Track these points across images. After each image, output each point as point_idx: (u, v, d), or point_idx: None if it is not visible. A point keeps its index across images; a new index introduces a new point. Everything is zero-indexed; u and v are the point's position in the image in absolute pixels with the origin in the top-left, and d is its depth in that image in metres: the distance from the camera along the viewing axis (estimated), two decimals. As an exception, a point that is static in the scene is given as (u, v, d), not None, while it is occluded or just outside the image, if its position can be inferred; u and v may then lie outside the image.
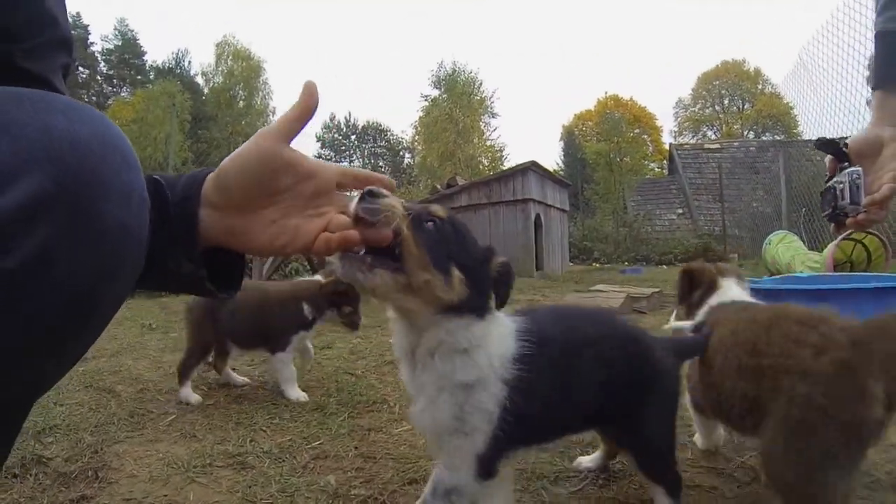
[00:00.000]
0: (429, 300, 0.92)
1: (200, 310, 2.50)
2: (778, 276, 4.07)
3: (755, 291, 2.30)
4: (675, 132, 40.46)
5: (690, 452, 1.69)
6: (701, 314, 1.57)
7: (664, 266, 14.57)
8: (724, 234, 17.56)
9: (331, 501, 1.47)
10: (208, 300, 2.43)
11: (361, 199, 0.79)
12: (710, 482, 1.50)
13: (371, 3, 72.27)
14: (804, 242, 5.91)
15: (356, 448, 1.84)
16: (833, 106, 8.05)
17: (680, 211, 22.91)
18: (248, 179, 0.75)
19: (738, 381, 1.23)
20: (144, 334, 4.33)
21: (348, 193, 0.83)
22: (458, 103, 28.35)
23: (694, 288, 1.69)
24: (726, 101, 40.59)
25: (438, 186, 15.13)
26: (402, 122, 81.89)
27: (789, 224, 9.77)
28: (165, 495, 1.53)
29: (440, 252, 0.90)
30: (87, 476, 1.68)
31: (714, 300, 1.59)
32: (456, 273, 0.92)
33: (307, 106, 0.76)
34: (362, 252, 0.85)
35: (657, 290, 5.90)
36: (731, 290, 1.61)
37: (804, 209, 9.33)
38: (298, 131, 0.77)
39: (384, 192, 0.82)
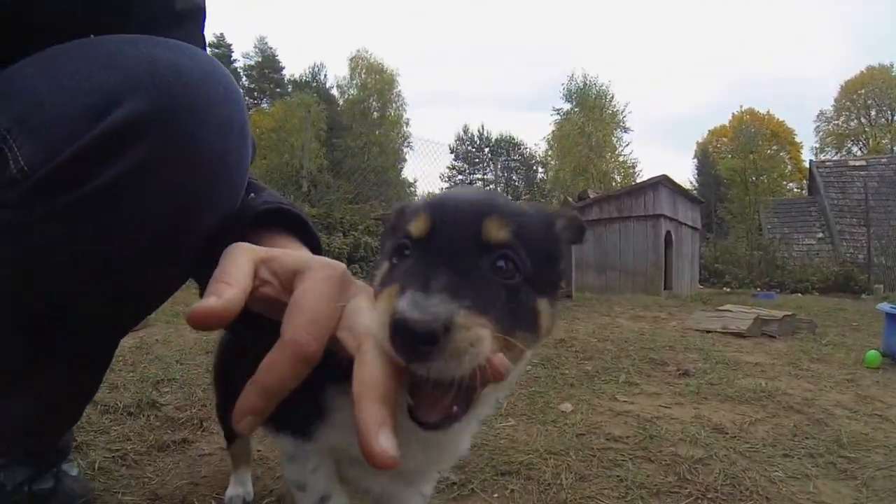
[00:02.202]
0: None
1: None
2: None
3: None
4: (815, 148, 39.17)
5: None
6: None
7: (800, 294, 14.93)
8: (868, 262, 17.79)
9: None
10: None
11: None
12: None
13: (502, 15, 75.89)
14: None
15: None
16: None
17: (820, 235, 22.42)
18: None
19: None
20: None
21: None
22: (590, 117, 30.58)
23: None
24: (873, 113, 38.57)
25: (570, 199, 16.13)
26: (536, 135, 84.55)
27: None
28: (259, 450, 1.78)
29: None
30: (193, 423, 2.04)
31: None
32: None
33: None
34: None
35: (790, 313, 5.83)
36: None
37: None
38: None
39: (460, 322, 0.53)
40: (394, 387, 0.57)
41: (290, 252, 0.75)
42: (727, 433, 2.21)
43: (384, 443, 0.52)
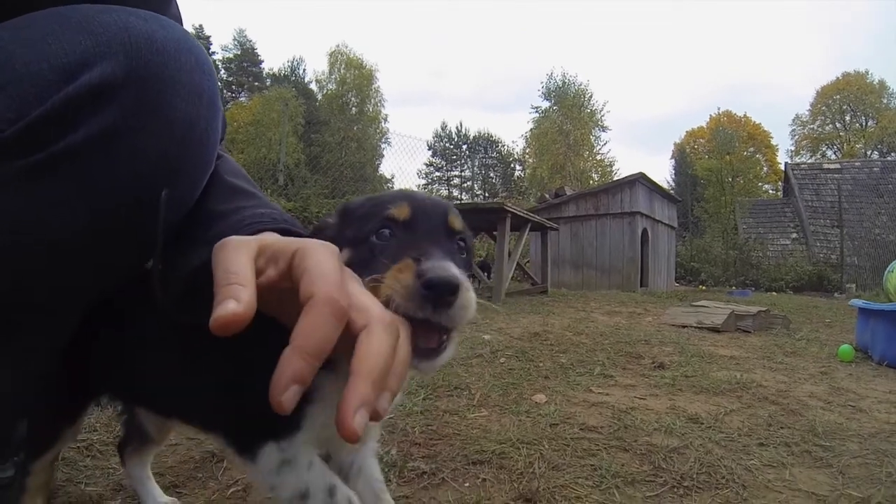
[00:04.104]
0: None
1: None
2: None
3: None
4: (791, 151, 40.11)
5: None
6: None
7: (774, 293, 15.15)
8: (841, 262, 18.14)
9: (386, 470, 1.56)
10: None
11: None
12: None
13: (481, 12, 75.95)
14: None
15: (428, 426, 1.98)
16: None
17: (794, 235, 22.92)
18: None
19: None
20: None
21: None
22: (568, 115, 30.81)
23: None
24: (848, 118, 39.66)
25: (547, 196, 16.05)
26: (514, 133, 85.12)
27: (915, 252, 9.59)
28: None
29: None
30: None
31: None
32: None
33: None
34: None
35: (765, 309, 5.95)
36: None
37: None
38: None
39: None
40: (388, 368, 0.62)
41: (282, 237, 0.75)
42: (702, 423, 2.19)
43: (359, 420, 0.57)
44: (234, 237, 0.71)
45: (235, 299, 0.60)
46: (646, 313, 6.79)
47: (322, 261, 0.65)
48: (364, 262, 0.77)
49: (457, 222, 0.84)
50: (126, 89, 0.68)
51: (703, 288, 16.65)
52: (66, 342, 0.87)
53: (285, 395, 0.57)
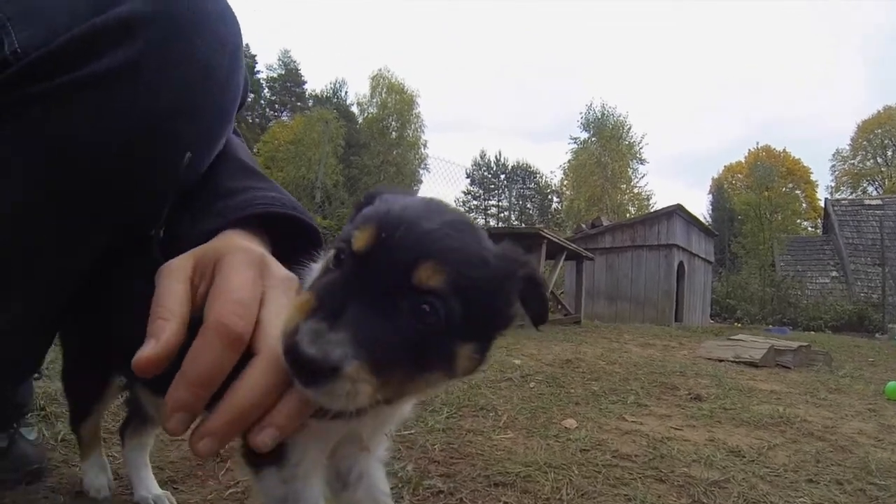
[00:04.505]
0: None
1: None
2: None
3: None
4: (831, 187, 39.02)
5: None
6: None
7: (812, 332, 14.54)
8: (883, 302, 17.57)
9: (400, 486, 1.49)
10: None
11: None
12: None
13: (521, 42, 77.02)
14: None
15: (449, 444, 1.90)
16: None
17: (834, 274, 22.43)
18: None
19: None
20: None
21: None
22: (606, 147, 30.62)
23: None
24: (889, 153, 38.26)
25: (583, 226, 15.87)
26: (552, 164, 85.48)
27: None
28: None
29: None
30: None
31: None
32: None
33: None
34: None
35: (806, 344, 5.76)
36: None
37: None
38: None
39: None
40: (270, 402, 0.60)
41: (214, 244, 0.74)
42: (745, 457, 2.04)
43: (202, 447, 0.58)
44: (171, 262, 0.69)
45: (155, 338, 0.60)
46: (680, 346, 6.58)
47: (230, 275, 0.65)
48: (322, 275, 0.68)
49: (428, 277, 0.60)
50: (151, 26, 0.70)
51: (739, 325, 16.16)
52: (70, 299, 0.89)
53: (170, 421, 0.57)
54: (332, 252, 0.68)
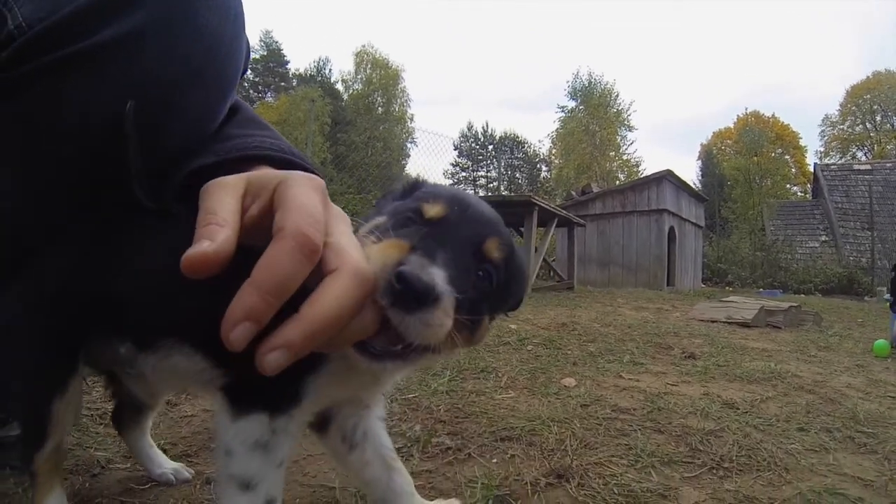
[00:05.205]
0: None
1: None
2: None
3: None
4: (820, 153, 38.95)
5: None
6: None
7: (803, 294, 14.79)
8: (871, 265, 17.90)
9: (409, 446, 1.53)
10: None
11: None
12: None
13: (508, 13, 75.78)
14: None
15: (454, 405, 1.94)
16: None
17: (823, 238, 22.57)
18: None
19: None
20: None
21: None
22: (594, 115, 30.52)
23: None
24: (878, 118, 38.15)
25: (574, 193, 16.00)
26: (540, 134, 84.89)
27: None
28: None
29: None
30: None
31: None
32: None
33: None
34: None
35: (796, 304, 5.91)
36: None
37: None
38: None
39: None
40: (348, 318, 0.56)
41: (270, 170, 0.73)
42: (738, 408, 2.11)
43: (271, 360, 0.53)
44: (222, 178, 0.66)
45: (209, 239, 0.56)
46: (673, 309, 6.70)
47: (301, 193, 0.61)
48: (381, 230, 0.71)
49: (494, 251, 0.72)
50: None
51: (731, 289, 16.26)
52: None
53: (235, 331, 0.52)
54: (391, 214, 0.74)
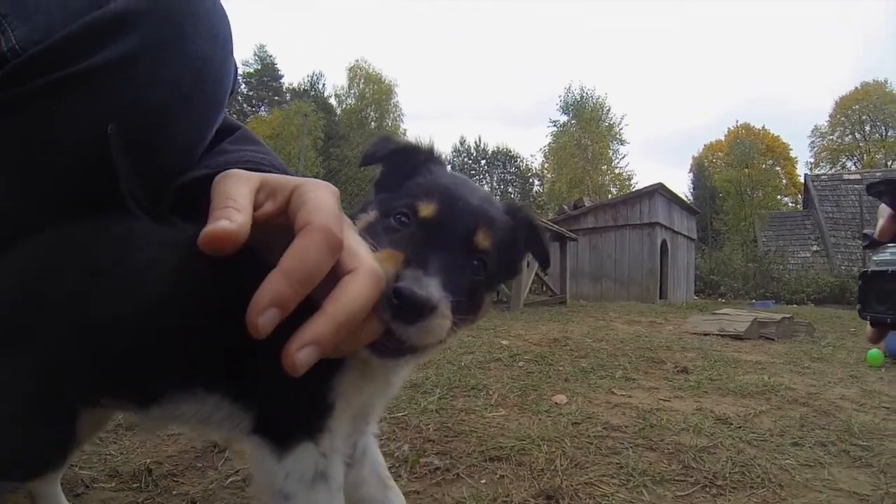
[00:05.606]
0: None
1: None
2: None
3: None
4: (810, 163, 39.27)
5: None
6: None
7: (795, 305, 14.93)
8: None
9: (397, 466, 1.50)
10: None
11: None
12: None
13: (500, 28, 76.48)
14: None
15: (443, 424, 1.91)
16: None
17: (815, 248, 22.73)
18: None
19: None
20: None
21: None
22: (586, 129, 30.69)
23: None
24: (867, 128, 38.59)
25: (566, 207, 16.17)
26: (532, 147, 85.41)
27: (936, 264, 10.37)
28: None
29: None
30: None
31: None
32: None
33: None
34: None
35: (788, 316, 5.94)
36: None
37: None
38: None
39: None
40: (360, 318, 0.58)
41: (282, 175, 0.73)
42: (731, 424, 2.08)
43: (302, 357, 0.54)
44: (236, 170, 0.68)
45: (228, 219, 0.58)
46: (666, 322, 6.71)
47: (322, 196, 0.63)
48: (373, 231, 0.74)
49: (484, 240, 0.76)
50: (147, 20, 0.72)
51: (724, 301, 16.38)
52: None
53: (263, 316, 0.53)
54: (373, 213, 0.78)
